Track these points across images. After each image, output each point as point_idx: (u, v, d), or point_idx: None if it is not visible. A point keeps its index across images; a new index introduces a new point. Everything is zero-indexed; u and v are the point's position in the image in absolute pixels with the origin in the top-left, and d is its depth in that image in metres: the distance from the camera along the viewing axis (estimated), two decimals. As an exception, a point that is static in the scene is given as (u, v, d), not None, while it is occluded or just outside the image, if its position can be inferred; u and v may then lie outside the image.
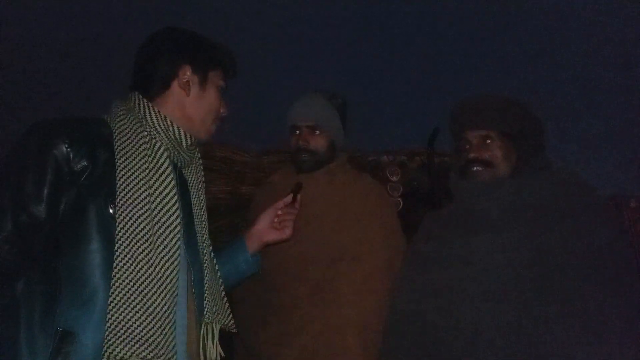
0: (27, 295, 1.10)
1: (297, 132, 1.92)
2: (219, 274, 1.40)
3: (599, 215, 1.50)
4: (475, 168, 1.63)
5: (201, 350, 1.29)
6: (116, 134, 1.22)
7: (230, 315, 1.37)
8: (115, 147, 1.19)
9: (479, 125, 1.65)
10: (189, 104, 1.30)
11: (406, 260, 1.76)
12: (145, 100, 1.29)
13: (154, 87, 1.31)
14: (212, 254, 1.39)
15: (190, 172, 1.37)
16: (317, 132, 1.90)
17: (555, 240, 1.45)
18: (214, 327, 1.33)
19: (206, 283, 1.31)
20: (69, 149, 1.14)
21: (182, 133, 1.28)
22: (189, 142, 1.30)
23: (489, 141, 1.64)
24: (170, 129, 1.27)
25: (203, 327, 1.31)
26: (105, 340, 1.07)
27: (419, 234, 1.79)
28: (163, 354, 1.12)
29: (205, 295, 1.30)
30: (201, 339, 1.30)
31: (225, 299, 1.38)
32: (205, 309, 1.30)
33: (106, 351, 1.07)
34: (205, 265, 1.32)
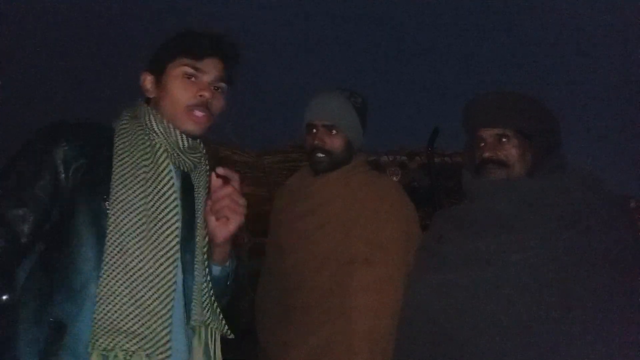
0: (23, 287, 1.12)
1: (314, 130, 1.86)
2: (210, 284, 1.39)
3: (615, 216, 1.47)
4: (489, 168, 1.58)
5: (190, 353, 1.28)
6: (117, 135, 1.25)
7: (224, 322, 1.36)
8: (114, 147, 1.22)
9: (494, 123, 1.59)
10: (162, 103, 1.31)
11: (418, 259, 1.72)
12: (146, 106, 1.33)
13: (145, 97, 1.37)
14: (207, 262, 1.38)
15: (196, 178, 1.37)
16: (334, 131, 1.83)
17: (571, 240, 1.43)
18: (206, 332, 1.32)
19: (195, 288, 1.30)
20: (67, 147, 1.16)
21: (179, 134, 1.29)
22: (186, 144, 1.30)
23: (504, 140, 1.57)
24: (168, 130, 1.28)
25: (193, 330, 1.29)
26: (92, 331, 1.08)
27: (430, 233, 1.75)
28: (149, 347, 1.12)
29: (194, 299, 1.29)
30: (191, 343, 1.28)
31: (216, 304, 1.36)
32: (193, 312, 1.29)
33: (91, 341, 1.08)
34: (197, 272, 1.32)
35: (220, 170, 1.30)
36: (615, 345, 1.31)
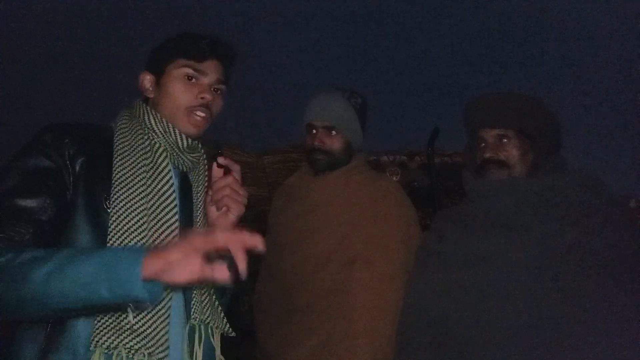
0: None
1: (313, 131, 1.88)
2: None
3: (615, 216, 1.48)
4: (490, 168, 1.59)
5: (187, 353, 1.27)
6: (117, 135, 1.26)
7: (225, 320, 1.36)
8: (115, 146, 1.23)
9: (495, 123, 1.60)
10: (161, 104, 1.32)
11: (419, 259, 1.73)
12: (145, 105, 1.34)
13: (143, 97, 1.38)
14: None
15: (194, 177, 1.38)
16: (333, 132, 1.86)
17: (572, 240, 1.44)
18: (205, 330, 1.32)
19: (195, 286, 1.30)
20: (70, 145, 1.17)
21: (178, 133, 1.30)
22: (186, 143, 1.31)
23: (505, 140, 1.59)
24: (168, 129, 1.30)
25: (191, 328, 1.28)
26: (93, 329, 1.08)
27: (431, 233, 1.76)
28: (152, 346, 1.12)
29: (193, 297, 1.29)
30: (189, 341, 1.27)
31: (217, 303, 1.36)
32: (193, 311, 1.29)
33: (94, 339, 1.07)
34: None
35: (221, 159, 1.29)
36: (616, 345, 1.31)
